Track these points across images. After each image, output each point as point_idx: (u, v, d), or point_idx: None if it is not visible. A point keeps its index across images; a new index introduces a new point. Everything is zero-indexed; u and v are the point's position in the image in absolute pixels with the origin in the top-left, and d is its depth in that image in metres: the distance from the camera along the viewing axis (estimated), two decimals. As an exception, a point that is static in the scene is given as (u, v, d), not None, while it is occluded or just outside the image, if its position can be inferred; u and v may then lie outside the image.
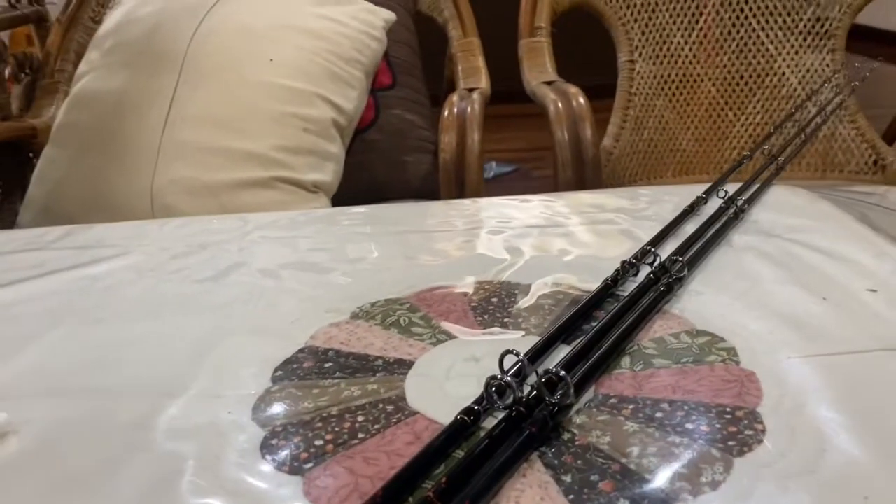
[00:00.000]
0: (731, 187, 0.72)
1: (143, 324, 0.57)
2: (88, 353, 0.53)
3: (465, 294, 0.57)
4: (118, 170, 1.05)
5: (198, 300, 0.60)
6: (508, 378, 0.39)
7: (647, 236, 0.62)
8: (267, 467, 0.38)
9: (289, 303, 0.58)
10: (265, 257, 0.68)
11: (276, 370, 0.47)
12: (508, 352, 0.41)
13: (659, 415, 0.40)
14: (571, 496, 0.35)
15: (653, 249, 0.56)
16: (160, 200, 1.02)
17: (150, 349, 0.52)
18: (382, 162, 1.20)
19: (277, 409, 0.43)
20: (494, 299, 0.56)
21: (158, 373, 0.49)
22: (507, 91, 1.43)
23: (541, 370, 0.41)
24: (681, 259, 0.53)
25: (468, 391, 0.41)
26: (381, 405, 0.43)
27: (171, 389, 0.46)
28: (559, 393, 0.39)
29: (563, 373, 0.40)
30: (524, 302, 0.55)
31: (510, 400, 0.39)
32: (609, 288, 0.54)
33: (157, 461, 0.40)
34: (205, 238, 0.73)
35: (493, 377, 0.40)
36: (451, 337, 0.51)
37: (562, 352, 0.46)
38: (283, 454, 0.39)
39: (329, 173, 1.08)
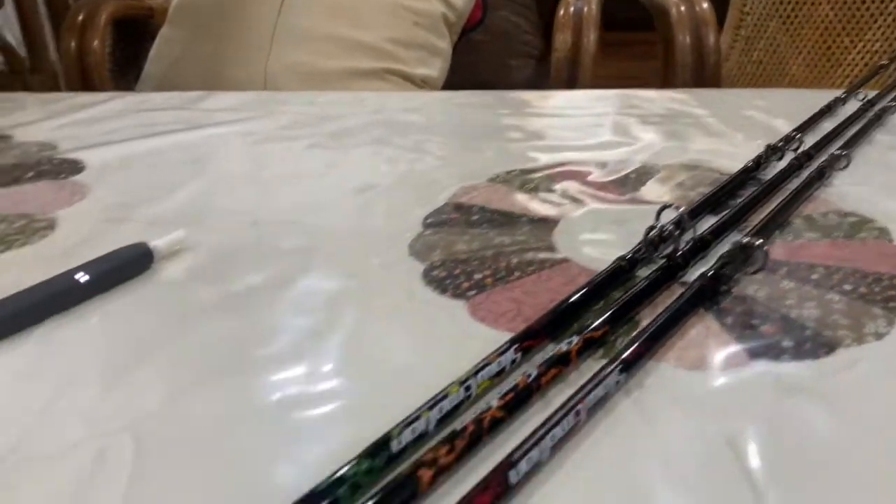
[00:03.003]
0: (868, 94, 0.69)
1: (291, 180, 0.59)
2: (240, 197, 0.55)
3: (600, 171, 0.57)
4: (233, 52, 1.07)
5: (332, 164, 0.62)
6: (670, 227, 0.40)
7: (784, 130, 0.61)
8: (430, 292, 0.40)
9: (422, 167, 0.60)
10: (393, 128, 0.69)
11: (425, 218, 0.49)
12: (666, 206, 0.42)
13: (815, 276, 0.40)
14: (735, 334, 0.35)
15: (798, 136, 0.55)
16: (273, 84, 1.04)
17: (297, 197, 0.55)
18: (487, 64, 1.20)
19: (433, 248, 0.45)
20: (633, 175, 0.56)
21: (310, 216, 0.51)
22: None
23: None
24: (840, 151, 0.52)
25: (616, 249, 0.42)
26: (532, 252, 0.44)
27: (325, 229, 0.48)
28: (743, 258, 0.39)
29: (758, 241, 0.39)
30: (662, 179, 0.55)
31: (669, 250, 0.40)
32: (752, 170, 0.53)
33: (319, 284, 0.42)
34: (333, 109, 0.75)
35: (652, 227, 0.41)
36: (592, 202, 0.51)
37: (708, 221, 0.46)
38: (445, 283, 0.41)
39: (436, 69, 1.08)
